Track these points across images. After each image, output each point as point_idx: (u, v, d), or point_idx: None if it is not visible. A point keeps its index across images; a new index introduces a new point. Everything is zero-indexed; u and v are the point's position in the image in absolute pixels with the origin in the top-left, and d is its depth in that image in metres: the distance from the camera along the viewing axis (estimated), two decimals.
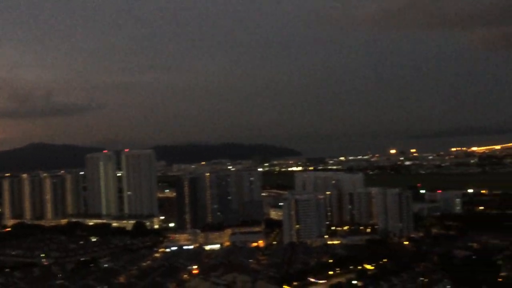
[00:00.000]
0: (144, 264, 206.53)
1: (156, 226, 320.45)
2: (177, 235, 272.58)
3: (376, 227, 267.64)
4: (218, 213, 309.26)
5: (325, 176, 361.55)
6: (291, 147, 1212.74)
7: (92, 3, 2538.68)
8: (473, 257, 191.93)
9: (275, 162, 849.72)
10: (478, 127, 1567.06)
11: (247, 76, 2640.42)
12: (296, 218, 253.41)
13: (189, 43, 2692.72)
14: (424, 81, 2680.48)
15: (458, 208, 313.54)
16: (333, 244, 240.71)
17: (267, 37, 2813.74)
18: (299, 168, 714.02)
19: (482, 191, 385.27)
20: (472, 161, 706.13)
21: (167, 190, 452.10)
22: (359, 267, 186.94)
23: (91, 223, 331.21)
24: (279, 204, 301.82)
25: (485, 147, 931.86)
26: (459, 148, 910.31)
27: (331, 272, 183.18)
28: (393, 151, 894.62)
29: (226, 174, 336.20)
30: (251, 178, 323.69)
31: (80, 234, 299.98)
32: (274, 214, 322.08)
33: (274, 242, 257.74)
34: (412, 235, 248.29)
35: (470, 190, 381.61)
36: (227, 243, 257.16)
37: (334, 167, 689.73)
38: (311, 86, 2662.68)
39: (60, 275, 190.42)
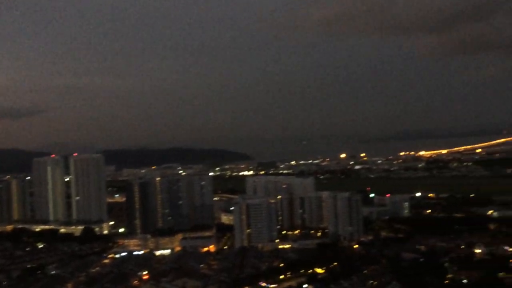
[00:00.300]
0: (93, 270, 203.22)
1: (105, 232, 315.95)
2: (126, 241, 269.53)
3: (326, 231, 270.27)
4: (169, 218, 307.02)
5: (276, 180, 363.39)
6: (243, 151, 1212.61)
7: (36, 5, 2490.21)
8: (421, 259, 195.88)
9: (226, 167, 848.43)
10: (425, 132, 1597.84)
11: (197, 80, 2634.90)
12: (247, 222, 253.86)
13: (139, 45, 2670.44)
14: (374, 87, 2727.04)
15: (406, 211, 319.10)
16: (284, 248, 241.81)
17: (219, 41, 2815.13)
18: (251, 173, 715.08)
19: (429, 195, 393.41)
20: (419, 165, 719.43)
21: (117, 195, 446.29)
22: (310, 271, 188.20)
23: (38, 229, 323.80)
24: (231, 208, 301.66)
25: (432, 152, 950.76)
26: (407, 153, 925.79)
27: (282, 276, 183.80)
28: (343, 156, 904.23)
29: (177, 179, 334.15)
30: (202, 183, 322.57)
31: (26, 240, 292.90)
32: (225, 219, 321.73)
33: (225, 247, 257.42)
34: (362, 239, 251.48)
35: (418, 194, 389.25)
36: (178, 248, 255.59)
37: (285, 171, 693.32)
38: (262, 91, 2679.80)
39: (6, 282, 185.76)
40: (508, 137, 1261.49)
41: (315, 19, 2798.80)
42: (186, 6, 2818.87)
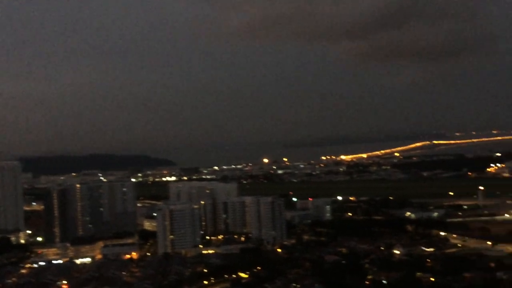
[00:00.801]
0: (9, 281, 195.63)
1: (23, 241, 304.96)
2: (45, 250, 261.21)
3: (250, 235, 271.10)
4: (90, 226, 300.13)
5: (199, 186, 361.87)
6: (165, 157, 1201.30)
7: None
8: (342, 261, 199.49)
9: (149, 173, 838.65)
10: (346, 137, 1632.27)
11: (119, 85, 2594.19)
12: (170, 228, 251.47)
13: (56, 50, 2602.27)
14: (296, 92, 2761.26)
15: (328, 215, 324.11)
16: (208, 253, 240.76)
17: (141, 46, 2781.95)
18: (174, 178, 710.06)
19: (350, 198, 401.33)
20: (341, 169, 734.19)
21: (34, 203, 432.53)
22: (234, 276, 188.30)
23: None
24: (154, 214, 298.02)
25: (352, 156, 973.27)
26: (329, 157, 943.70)
27: (206, 282, 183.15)
28: (266, 160, 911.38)
29: (98, 185, 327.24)
30: (124, 189, 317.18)
31: None
32: (148, 225, 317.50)
33: (148, 254, 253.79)
34: (285, 243, 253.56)
35: (340, 197, 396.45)
36: (99, 256, 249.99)
37: (209, 177, 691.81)
38: (184, 96, 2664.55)
39: None
40: (425, 142, 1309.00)
41: (237, 25, 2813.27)
42: (106, 13, 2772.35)
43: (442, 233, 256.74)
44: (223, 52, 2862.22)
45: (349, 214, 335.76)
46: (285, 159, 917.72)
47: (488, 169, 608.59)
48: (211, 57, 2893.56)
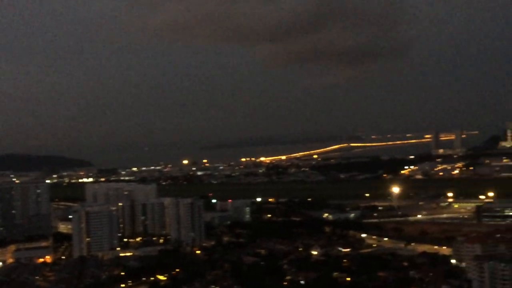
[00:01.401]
0: None
1: None
2: None
3: (169, 237, 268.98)
4: (1, 229, 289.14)
5: (117, 187, 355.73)
6: (82, 158, 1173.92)
7: None
8: (261, 263, 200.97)
9: (64, 174, 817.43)
10: (265, 138, 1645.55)
11: (34, 84, 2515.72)
12: (86, 230, 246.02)
13: None
14: (216, 93, 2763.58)
15: (247, 216, 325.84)
16: (125, 256, 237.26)
17: (56, 45, 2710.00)
18: (90, 180, 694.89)
19: (269, 199, 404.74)
20: (260, 170, 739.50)
21: None
22: (152, 278, 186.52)
23: None
24: (69, 216, 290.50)
25: (272, 158, 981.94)
26: (248, 158, 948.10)
27: (123, 285, 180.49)
28: (185, 162, 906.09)
29: (10, 187, 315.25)
30: (38, 191, 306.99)
31: None
32: (63, 228, 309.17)
33: (63, 257, 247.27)
34: (204, 244, 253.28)
35: (259, 199, 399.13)
36: (11, 260, 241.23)
37: (127, 178, 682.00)
38: (103, 96, 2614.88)
39: None
40: (342, 144, 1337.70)
41: (159, 24, 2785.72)
42: (22, 11, 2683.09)
43: (358, 234, 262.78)
44: (144, 52, 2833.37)
45: (268, 215, 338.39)
46: (204, 161, 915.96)
47: (402, 171, 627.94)
48: (132, 56, 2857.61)
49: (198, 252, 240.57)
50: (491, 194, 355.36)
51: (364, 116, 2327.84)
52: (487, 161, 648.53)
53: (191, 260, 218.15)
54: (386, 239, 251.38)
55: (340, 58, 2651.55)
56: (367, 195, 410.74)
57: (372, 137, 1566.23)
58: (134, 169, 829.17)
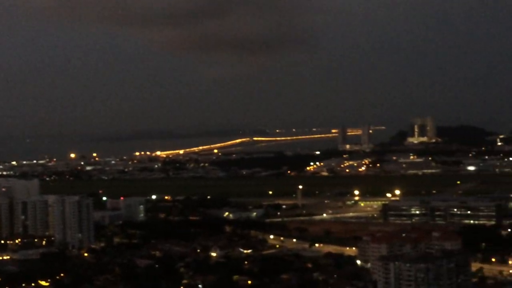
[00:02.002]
0: None
1: None
2: None
3: (53, 238, 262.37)
4: None
5: None
6: None
7: None
8: (156, 265, 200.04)
9: None
10: (162, 131, 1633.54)
11: None
12: None
13: None
14: (108, 81, 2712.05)
15: (141, 215, 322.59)
16: (2, 260, 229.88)
17: None
18: None
19: (165, 197, 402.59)
20: (156, 166, 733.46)
21: None
22: (33, 284, 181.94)
23: None
24: None
25: (168, 152, 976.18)
26: (143, 153, 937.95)
27: None
28: (73, 156, 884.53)
29: None
30: None
31: None
32: None
33: None
34: (93, 246, 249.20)
35: (154, 196, 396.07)
36: None
37: (5, 173, 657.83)
38: None
39: None
40: (245, 138, 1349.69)
41: (44, 3, 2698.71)
42: None
43: (261, 234, 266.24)
44: (26, 33, 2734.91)
45: (164, 214, 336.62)
46: (94, 154, 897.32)
47: (307, 168, 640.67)
48: (13, 38, 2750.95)
49: (86, 254, 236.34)
50: (397, 192, 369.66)
51: (268, 109, 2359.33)
52: (394, 157, 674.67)
53: (77, 263, 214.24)
54: (290, 239, 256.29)
55: (245, 47, 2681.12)
56: (270, 192, 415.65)
57: (277, 131, 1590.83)
58: (14, 162, 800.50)
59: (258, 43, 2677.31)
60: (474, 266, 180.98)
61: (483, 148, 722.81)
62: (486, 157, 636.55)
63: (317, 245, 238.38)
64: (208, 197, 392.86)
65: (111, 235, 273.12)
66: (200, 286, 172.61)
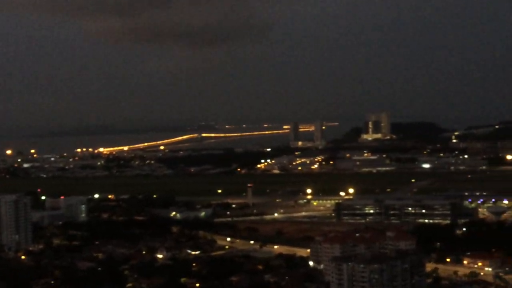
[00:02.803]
0: None
1: None
2: None
3: None
4: None
5: None
6: None
7: None
8: (99, 268, 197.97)
9: None
10: (105, 127, 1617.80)
11: None
12: None
13: None
14: (44, 74, 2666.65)
15: (83, 215, 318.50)
16: None
17: None
18: None
19: (109, 196, 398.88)
20: (98, 163, 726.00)
21: None
22: None
23: None
24: None
25: (112, 148, 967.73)
26: (85, 149, 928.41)
27: None
28: (9, 152, 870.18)
29: None
30: None
31: None
32: None
33: None
34: (31, 248, 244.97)
35: (97, 195, 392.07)
36: None
37: None
38: None
39: None
40: (193, 134, 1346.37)
41: None
42: None
43: (210, 235, 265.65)
44: None
45: (108, 214, 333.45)
46: (32, 151, 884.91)
47: (258, 165, 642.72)
48: None
49: (23, 257, 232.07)
50: (351, 190, 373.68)
51: (218, 104, 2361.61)
52: (348, 155, 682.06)
53: (14, 267, 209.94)
54: (240, 240, 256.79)
55: (194, 39, 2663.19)
56: (219, 191, 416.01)
57: (226, 127, 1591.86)
58: None
59: (208, 35, 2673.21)
60: (429, 267, 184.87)
61: (438, 145, 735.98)
62: (441, 154, 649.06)
63: (268, 246, 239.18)
64: (154, 196, 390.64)
65: (51, 236, 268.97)
66: None
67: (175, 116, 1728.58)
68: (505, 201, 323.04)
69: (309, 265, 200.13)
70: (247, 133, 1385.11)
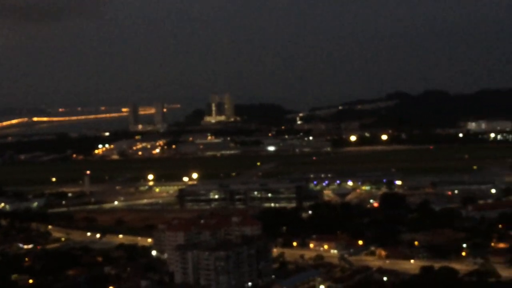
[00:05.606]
0: None
1: None
2: None
3: None
4: None
5: None
6: None
7: None
8: None
9: None
10: None
11: None
12: None
13: None
14: None
15: None
16: None
17: None
18: None
19: None
20: None
21: None
22: None
23: None
24: None
25: None
26: None
27: None
28: None
29: None
30: None
31: None
32: None
33: None
34: None
35: None
36: None
37: None
38: None
39: None
40: (22, 118, 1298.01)
41: None
42: None
43: (43, 226, 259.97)
44: None
45: None
46: None
47: (95, 151, 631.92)
48: None
49: None
50: (195, 175, 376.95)
51: (49, 85, 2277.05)
52: (191, 138, 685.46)
53: None
54: (77, 231, 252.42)
55: (20, 13, 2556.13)
56: (53, 179, 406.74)
57: (59, 110, 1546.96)
58: None
59: (36, 10, 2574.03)
60: (276, 251, 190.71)
61: (282, 127, 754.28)
62: (286, 136, 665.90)
63: (108, 236, 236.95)
64: None
65: None
66: None
67: (2, 99, 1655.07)
68: (350, 183, 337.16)
69: (151, 255, 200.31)
70: (83, 117, 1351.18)
